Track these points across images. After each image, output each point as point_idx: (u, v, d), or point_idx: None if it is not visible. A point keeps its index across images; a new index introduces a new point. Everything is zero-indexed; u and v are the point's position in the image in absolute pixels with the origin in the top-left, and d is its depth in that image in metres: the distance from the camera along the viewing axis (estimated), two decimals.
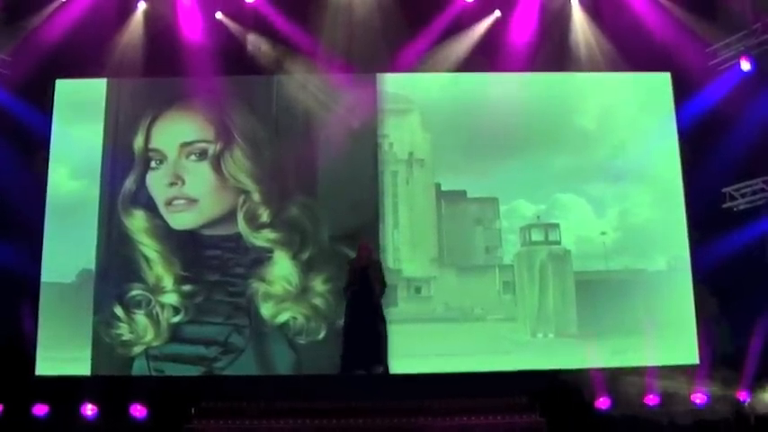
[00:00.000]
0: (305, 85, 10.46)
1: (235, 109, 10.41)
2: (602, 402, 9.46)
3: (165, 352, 9.89)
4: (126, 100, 10.47)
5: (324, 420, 8.31)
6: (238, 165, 10.27)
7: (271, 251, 10.11)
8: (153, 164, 10.27)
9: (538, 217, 10.33)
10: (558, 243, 10.28)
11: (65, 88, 10.45)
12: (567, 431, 8.95)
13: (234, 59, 10.37)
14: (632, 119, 10.55)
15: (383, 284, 9.01)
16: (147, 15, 10.42)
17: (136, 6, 10.40)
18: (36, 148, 10.18)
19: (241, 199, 10.22)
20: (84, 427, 9.40)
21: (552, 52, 10.40)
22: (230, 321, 9.96)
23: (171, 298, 9.99)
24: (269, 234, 10.14)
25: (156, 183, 10.22)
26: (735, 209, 9.88)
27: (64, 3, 10.17)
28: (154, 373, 9.85)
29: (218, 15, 10.50)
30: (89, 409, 9.44)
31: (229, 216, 10.19)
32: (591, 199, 10.39)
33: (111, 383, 9.66)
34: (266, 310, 9.98)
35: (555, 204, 10.38)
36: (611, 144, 10.53)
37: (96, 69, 10.28)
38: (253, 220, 10.17)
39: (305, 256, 10.07)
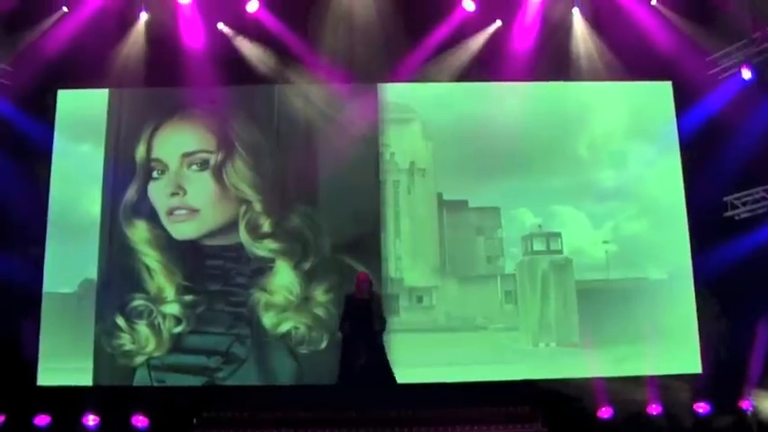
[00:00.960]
0: (306, 94, 10.49)
1: (236, 119, 10.42)
2: (605, 411, 9.44)
3: (167, 362, 9.89)
4: (128, 110, 10.49)
5: (326, 430, 8.29)
6: (240, 174, 10.28)
7: (272, 261, 10.10)
8: (154, 174, 10.28)
9: (539, 226, 10.33)
10: (560, 252, 10.28)
11: (67, 99, 10.47)
12: None
13: (235, 69, 10.38)
14: (633, 128, 10.56)
15: (383, 320, 8.60)
16: (149, 26, 10.42)
17: (137, 17, 10.41)
18: (38, 158, 10.20)
19: (242, 209, 10.22)
20: None
21: (553, 62, 10.41)
22: (232, 331, 9.96)
23: (172, 308, 9.99)
24: (270, 244, 10.14)
25: (158, 193, 10.22)
26: (736, 217, 9.88)
27: (66, 13, 10.19)
28: (155, 384, 9.84)
29: (220, 25, 10.52)
30: (91, 420, 9.43)
31: (231, 226, 10.19)
32: (592, 208, 10.38)
33: (112, 394, 9.67)
34: (268, 319, 9.97)
35: (556, 214, 10.37)
36: (612, 153, 10.54)
37: (98, 80, 10.29)
38: (254, 230, 10.17)
39: (306, 265, 10.07)
